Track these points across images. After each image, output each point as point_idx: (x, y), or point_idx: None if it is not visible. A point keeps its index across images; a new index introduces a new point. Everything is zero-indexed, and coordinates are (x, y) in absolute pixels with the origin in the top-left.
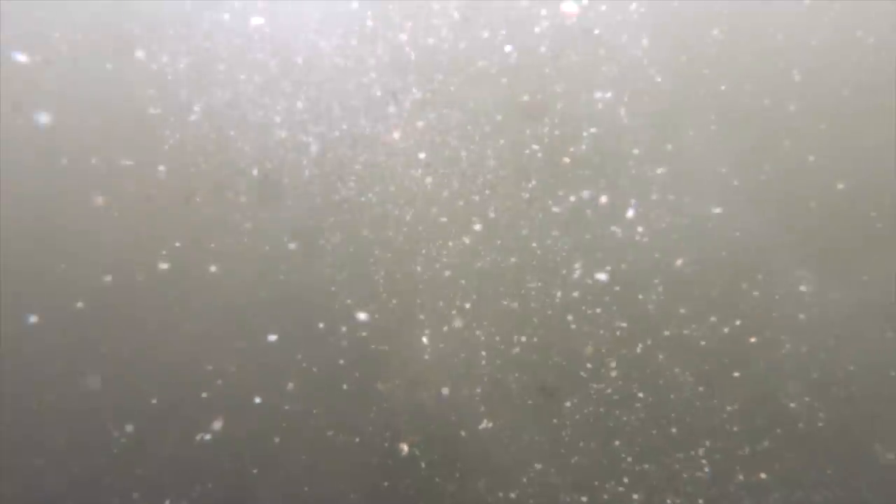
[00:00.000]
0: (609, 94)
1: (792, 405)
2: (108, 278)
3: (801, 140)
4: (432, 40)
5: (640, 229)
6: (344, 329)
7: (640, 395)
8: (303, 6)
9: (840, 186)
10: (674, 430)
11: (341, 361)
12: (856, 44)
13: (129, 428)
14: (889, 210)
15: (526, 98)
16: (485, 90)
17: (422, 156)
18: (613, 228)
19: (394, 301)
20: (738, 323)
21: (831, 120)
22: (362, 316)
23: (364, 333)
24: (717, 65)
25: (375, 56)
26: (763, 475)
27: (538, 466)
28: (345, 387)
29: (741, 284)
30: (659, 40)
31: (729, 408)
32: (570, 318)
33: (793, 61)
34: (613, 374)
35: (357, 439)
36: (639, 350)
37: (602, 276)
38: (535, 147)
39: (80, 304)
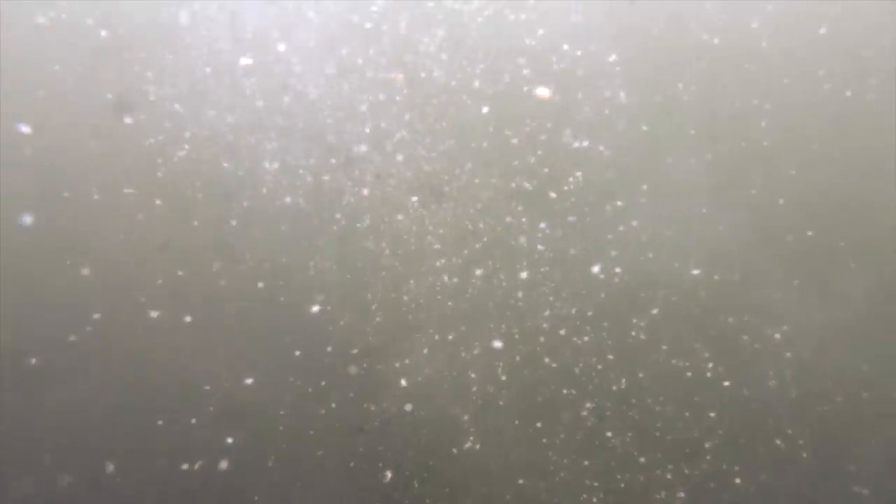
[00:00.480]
0: (586, 142)
1: (777, 441)
2: (97, 315)
3: (772, 183)
4: (424, 74)
5: (617, 270)
6: (331, 350)
7: (625, 417)
8: (292, 46)
9: (809, 234)
10: (657, 454)
11: (331, 382)
12: (817, 87)
13: (121, 457)
14: (861, 251)
15: (515, 141)
16: (474, 127)
17: (415, 187)
18: (594, 269)
19: (385, 323)
20: (722, 357)
21: (801, 165)
22: (353, 337)
23: (354, 351)
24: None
25: (366, 92)
26: (739, 499)
27: (522, 482)
28: (333, 405)
29: (728, 320)
30: (635, 87)
31: (708, 444)
32: (557, 344)
33: (764, 105)
34: (597, 400)
35: (352, 463)
36: (624, 378)
37: (589, 311)
38: (526, 184)
39: (72, 338)
